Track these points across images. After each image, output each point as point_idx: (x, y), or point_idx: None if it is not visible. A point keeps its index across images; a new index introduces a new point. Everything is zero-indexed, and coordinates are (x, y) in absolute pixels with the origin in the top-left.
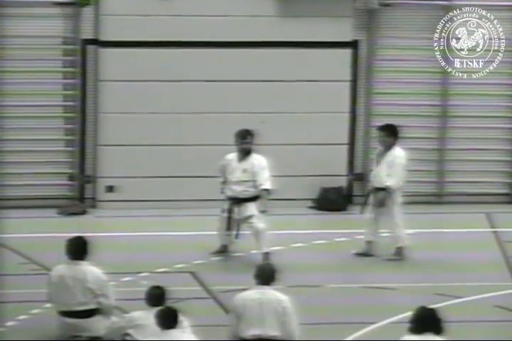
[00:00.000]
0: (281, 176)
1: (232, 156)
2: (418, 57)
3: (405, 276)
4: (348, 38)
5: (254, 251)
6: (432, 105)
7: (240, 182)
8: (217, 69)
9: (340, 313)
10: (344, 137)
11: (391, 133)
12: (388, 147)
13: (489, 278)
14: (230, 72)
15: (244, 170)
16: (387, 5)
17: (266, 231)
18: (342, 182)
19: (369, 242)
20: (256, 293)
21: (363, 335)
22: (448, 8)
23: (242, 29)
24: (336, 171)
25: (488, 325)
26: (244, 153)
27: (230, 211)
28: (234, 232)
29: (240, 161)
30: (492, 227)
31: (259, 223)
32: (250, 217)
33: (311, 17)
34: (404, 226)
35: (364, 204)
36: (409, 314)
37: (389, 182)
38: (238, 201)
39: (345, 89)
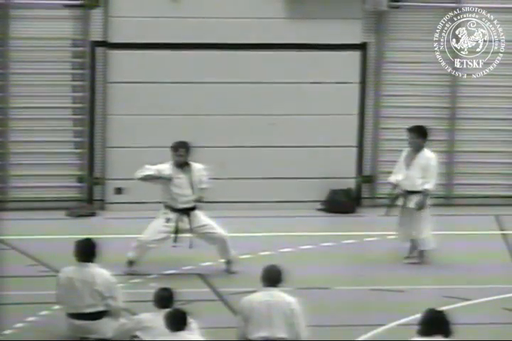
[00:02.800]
0: (289, 178)
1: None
2: (427, 59)
3: (414, 278)
4: (357, 40)
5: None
6: (440, 107)
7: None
8: (226, 71)
9: (349, 315)
10: (353, 139)
11: (420, 135)
12: (417, 149)
13: (498, 280)
14: (239, 74)
15: (185, 182)
16: (396, 7)
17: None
18: (351, 184)
19: (413, 241)
20: (264, 295)
21: (371, 337)
22: (455, 11)
23: (251, 31)
24: (344, 173)
25: (496, 328)
26: (178, 166)
27: (177, 221)
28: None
29: (178, 173)
30: (501, 229)
31: (220, 231)
32: (205, 225)
33: (321, 19)
34: (432, 229)
35: (391, 206)
36: (417, 316)
37: (427, 185)
38: (185, 211)
39: (354, 91)
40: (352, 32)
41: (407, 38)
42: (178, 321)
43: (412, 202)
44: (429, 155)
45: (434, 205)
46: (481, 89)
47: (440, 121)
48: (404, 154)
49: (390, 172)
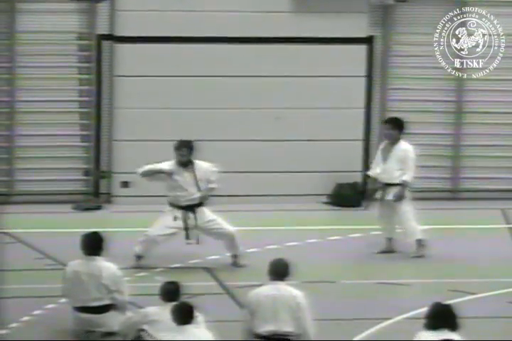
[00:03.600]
0: (295, 172)
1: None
2: (433, 53)
3: (420, 272)
4: (363, 34)
5: (228, 254)
6: (446, 101)
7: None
8: (231, 65)
9: (355, 309)
10: (359, 133)
11: (396, 127)
12: (394, 141)
13: (504, 274)
14: (245, 67)
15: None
16: (403, 1)
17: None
18: (357, 177)
19: (389, 239)
20: (270, 289)
21: (377, 331)
22: (463, 4)
23: (257, 25)
24: (350, 167)
25: (502, 321)
26: (181, 165)
27: (185, 218)
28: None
29: (182, 171)
30: (507, 223)
31: (228, 226)
32: (212, 221)
33: (327, 13)
34: (417, 221)
35: (370, 200)
36: (424, 310)
37: (405, 177)
38: (190, 207)
39: (361, 84)
40: (358, 26)
41: (413, 32)
42: (184, 314)
43: (391, 194)
44: (405, 147)
45: (440, 199)
46: (487, 82)
47: (446, 114)
48: (381, 147)
49: None
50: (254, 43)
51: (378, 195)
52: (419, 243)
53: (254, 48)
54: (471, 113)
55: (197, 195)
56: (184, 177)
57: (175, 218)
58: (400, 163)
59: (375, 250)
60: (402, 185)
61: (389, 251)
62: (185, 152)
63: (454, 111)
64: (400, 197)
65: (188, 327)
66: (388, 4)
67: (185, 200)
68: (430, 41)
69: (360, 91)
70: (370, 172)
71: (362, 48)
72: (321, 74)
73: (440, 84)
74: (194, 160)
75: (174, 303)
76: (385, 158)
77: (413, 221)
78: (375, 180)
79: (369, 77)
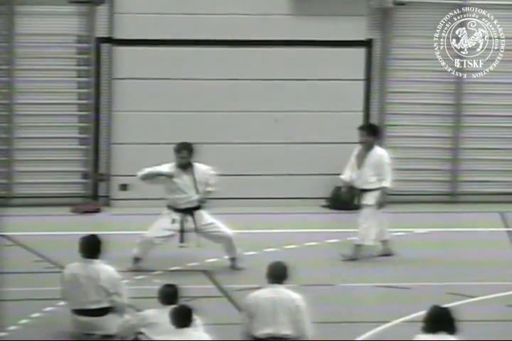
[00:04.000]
0: (294, 175)
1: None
2: (432, 56)
3: (418, 275)
4: (362, 37)
5: (226, 257)
6: (445, 104)
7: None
8: (231, 68)
9: (354, 312)
10: (357, 136)
11: (371, 133)
12: (369, 147)
13: (502, 277)
14: (244, 70)
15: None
16: (402, 4)
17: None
18: None
19: (384, 241)
20: (269, 292)
21: (376, 334)
22: (462, 7)
23: (256, 28)
24: None
25: (500, 325)
26: (181, 167)
27: (182, 221)
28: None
29: (181, 174)
30: (506, 227)
31: (226, 229)
32: (210, 225)
33: (326, 16)
34: (379, 226)
35: (351, 205)
36: (422, 313)
37: (385, 183)
38: (188, 210)
39: (359, 87)
40: (357, 29)
41: (412, 35)
42: (183, 318)
43: (366, 200)
44: (380, 153)
45: (439, 202)
46: (486, 86)
47: (445, 117)
48: (355, 153)
49: (395, 169)
50: (254, 46)
51: (355, 200)
52: (358, 247)
53: (254, 51)
54: (469, 116)
55: (195, 197)
56: (183, 180)
57: (173, 221)
58: (375, 168)
59: (374, 253)
60: (382, 190)
61: (387, 254)
62: (186, 154)
63: (452, 114)
64: (382, 203)
65: (186, 330)
66: (387, 7)
67: (183, 203)
68: (429, 44)
69: (359, 95)
70: (343, 177)
71: (361, 51)
72: (320, 77)
73: (439, 87)
74: (194, 163)
75: (173, 306)
76: (360, 163)
77: (372, 226)
78: (348, 184)
79: (368, 80)
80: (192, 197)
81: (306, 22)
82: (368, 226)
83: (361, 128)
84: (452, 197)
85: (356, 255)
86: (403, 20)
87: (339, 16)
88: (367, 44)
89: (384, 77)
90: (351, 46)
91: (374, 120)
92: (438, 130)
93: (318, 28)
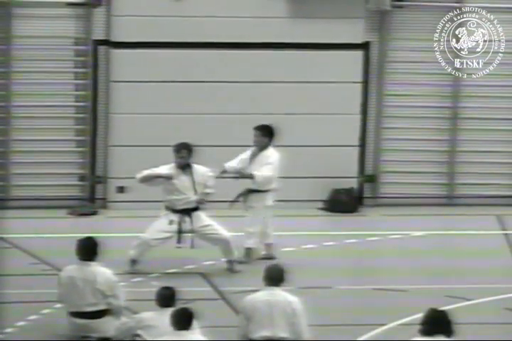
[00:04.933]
0: (291, 177)
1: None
2: (429, 59)
3: (416, 278)
4: (359, 40)
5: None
6: (442, 107)
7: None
8: (228, 71)
9: (351, 315)
10: (355, 138)
11: (267, 134)
12: (262, 147)
13: (499, 280)
14: (241, 73)
15: (187, 183)
16: (399, 7)
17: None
18: (353, 183)
19: (268, 245)
20: (266, 295)
21: (373, 337)
22: (460, 9)
23: (253, 30)
24: (346, 172)
25: (497, 327)
26: (180, 167)
27: (180, 222)
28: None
29: (180, 174)
30: (503, 229)
31: (223, 232)
32: (207, 226)
33: (323, 18)
34: (260, 228)
35: (235, 201)
36: (419, 316)
37: (256, 172)
38: (186, 211)
39: (357, 90)
40: (354, 31)
41: (409, 38)
42: (184, 320)
43: (254, 201)
44: (270, 154)
45: (436, 205)
46: (483, 88)
47: (442, 120)
48: (248, 152)
49: (392, 172)
50: (251, 49)
51: (241, 199)
52: (247, 250)
53: (251, 54)
54: (466, 119)
55: (193, 198)
56: (182, 181)
57: (170, 222)
58: (260, 167)
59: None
60: (252, 177)
61: (269, 257)
62: (185, 154)
63: (449, 117)
64: (238, 199)
65: (184, 332)
66: (385, 10)
67: (181, 204)
68: (427, 47)
69: (356, 97)
70: (227, 165)
71: (358, 54)
72: (317, 79)
73: (436, 90)
74: (192, 164)
75: (172, 308)
76: (250, 163)
77: (258, 227)
78: (225, 172)
79: (365, 82)
80: (190, 198)
81: (304, 24)
82: (253, 229)
83: (256, 128)
84: (449, 200)
85: (247, 258)
86: (401, 22)
87: (336, 19)
88: (364, 47)
89: (381, 80)
90: (348, 49)
91: (371, 123)
92: (435, 133)
93: (315, 30)
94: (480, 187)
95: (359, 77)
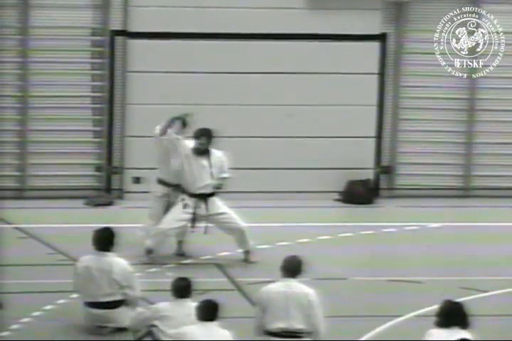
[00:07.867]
0: (307, 168)
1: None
2: (446, 51)
3: (431, 270)
4: (376, 31)
5: (239, 250)
6: (459, 99)
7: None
8: (245, 61)
9: (366, 306)
10: (371, 130)
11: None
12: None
13: None
14: (258, 64)
15: (204, 167)
16: None
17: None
18: (369, 175)
19: (181, 242)
20: (282, 286)
21: (388, 328)
22: (476, 2)
23: (270, 21)
24: (363, 164)
25: None
26: (198, 153)
27: (195, 207)
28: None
29: (198, 159)
30: None
31: (239, 221)
32: (223, 214)
33: (340, 10)
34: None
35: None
36: (435, 307)
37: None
38: (202, 197)
39: (373, 82)
40: (371, 23)
41: (426, 29)
42: (209, 312)
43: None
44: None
45: (452, 196)
46: (499, 80)
47: (459, 112)
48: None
49: (408, 163)
50: (267, 40)
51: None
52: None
53: (267, 45)
54: (483, 110)
55: (210, 182)
56: (199, 165)
57: (184, 206)
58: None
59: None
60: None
61: (180, 254)
62: (205, 140)
63: (466, 108)
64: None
65: (209, 324)
66: (402, 1)
67: (198, 188)
68: (443, 38)
69: (372, 89)
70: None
71: (375, 45)
72: (333, 71)
73: (453, 81)
74: (211, 149)
75: (189, 299)
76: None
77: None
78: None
79: (382, 74)
80: (207, 182)
81: (320, 16)
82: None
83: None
84: (465, 192)
85: (179, 250)
86: (417, 14)
87: (353, 10)
88: (381, 38)
89: (398, 71)
90: (365, 40)
91: (388, 114)
92: (452, 124)
93: (332, 21)
94: (496, 179)
95: (376, 69)
